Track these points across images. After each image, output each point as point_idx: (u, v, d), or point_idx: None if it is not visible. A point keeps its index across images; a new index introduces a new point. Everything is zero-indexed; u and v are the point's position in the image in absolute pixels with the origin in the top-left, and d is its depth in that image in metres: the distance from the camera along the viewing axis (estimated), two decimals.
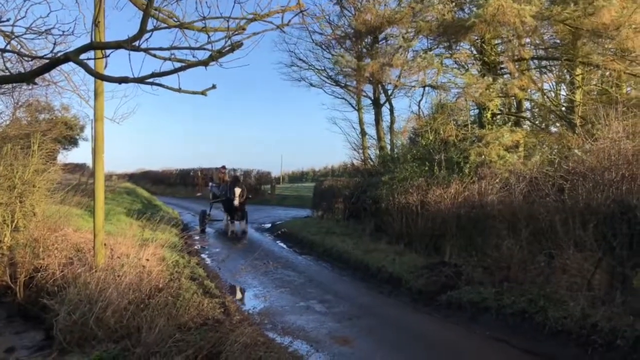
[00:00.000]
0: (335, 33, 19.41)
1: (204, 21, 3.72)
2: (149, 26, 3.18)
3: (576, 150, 9.34)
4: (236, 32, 3.55)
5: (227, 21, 3.53)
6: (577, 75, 12.80)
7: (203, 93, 3.51)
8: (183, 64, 3.33)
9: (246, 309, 7.81)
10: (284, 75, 25.11)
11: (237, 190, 15.70)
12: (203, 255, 12.58)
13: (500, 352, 6.21)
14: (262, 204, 26.42)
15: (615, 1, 10.21)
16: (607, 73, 12.71)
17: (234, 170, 30.57)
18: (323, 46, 21.15)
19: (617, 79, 12.67)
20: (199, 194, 34.18)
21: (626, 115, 8.05)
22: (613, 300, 6.15)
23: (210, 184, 20.04)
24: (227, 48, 3.30)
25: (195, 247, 12.98)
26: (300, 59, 22.36)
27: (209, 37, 3.44)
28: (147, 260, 6.93)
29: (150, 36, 3.25)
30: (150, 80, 3.22)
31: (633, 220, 6.06)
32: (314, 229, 15.75)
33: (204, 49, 3.38)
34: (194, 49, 3.39)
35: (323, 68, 21.85)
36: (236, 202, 15.50)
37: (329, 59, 20.97)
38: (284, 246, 14.75)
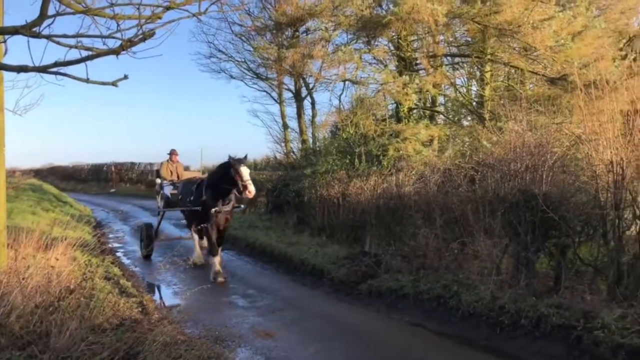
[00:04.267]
0: (255, 24, 19.15)
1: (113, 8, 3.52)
2: (52, 11, 2.97)
3: (485, 143, 9.92)
4: (149, 21, 3.39)
5: (139, 8, 3.36)
6: (486, 72, 13.58)
7: (114, 84, 3.33)
8: (91, 53, 3.15)
9: (165, 307, 7.57)
10: (202, 66, 24.27)
11: (246, 171, 9.07)
12: (118, 254, 12.04)
13: (417, 336, 6.48)
14: None
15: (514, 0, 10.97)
16: (513, 70, 13.59)
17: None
18: (243, 38, 20.80)
19: (521, 76, 13.57)
20: (112, 190, 32.66)
21: (529, 110, 8.64)
22: (518, 283, 6.60)
23: (158, 181, 12.34)
24: (139, 37, 3.15)
25: (110, 245, 12.39)
26: (219, 50, 21.81)
27: (118, 25, 3.26)
28: (57, 259, 6.48)
29: (52, 22, 3.03)
30: (54, 69, 3.01)
31: (535, 208, 6.52)
32: (236, 223, 15.47)
33: (114, 37, 3.20)
34: (102, 37, 3.20)
35: (243, 60, 21.47)
36: (252, 189, 8.92)
37: (249, 51, 20.68)
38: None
